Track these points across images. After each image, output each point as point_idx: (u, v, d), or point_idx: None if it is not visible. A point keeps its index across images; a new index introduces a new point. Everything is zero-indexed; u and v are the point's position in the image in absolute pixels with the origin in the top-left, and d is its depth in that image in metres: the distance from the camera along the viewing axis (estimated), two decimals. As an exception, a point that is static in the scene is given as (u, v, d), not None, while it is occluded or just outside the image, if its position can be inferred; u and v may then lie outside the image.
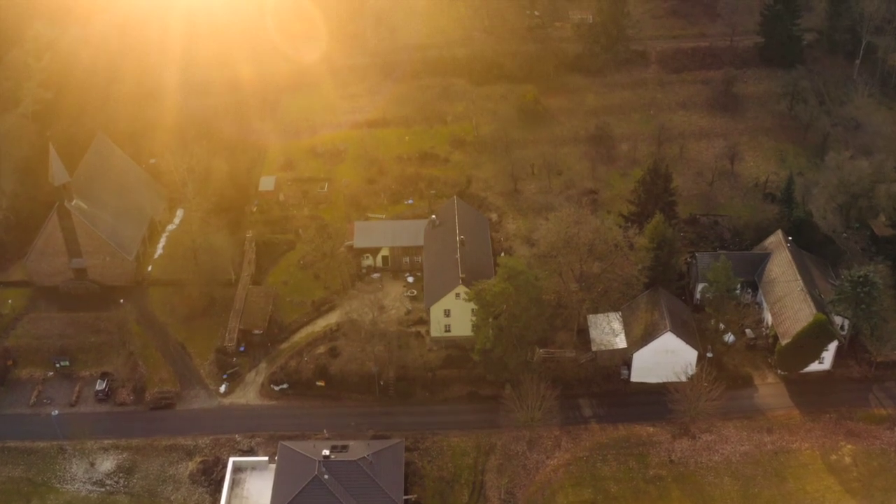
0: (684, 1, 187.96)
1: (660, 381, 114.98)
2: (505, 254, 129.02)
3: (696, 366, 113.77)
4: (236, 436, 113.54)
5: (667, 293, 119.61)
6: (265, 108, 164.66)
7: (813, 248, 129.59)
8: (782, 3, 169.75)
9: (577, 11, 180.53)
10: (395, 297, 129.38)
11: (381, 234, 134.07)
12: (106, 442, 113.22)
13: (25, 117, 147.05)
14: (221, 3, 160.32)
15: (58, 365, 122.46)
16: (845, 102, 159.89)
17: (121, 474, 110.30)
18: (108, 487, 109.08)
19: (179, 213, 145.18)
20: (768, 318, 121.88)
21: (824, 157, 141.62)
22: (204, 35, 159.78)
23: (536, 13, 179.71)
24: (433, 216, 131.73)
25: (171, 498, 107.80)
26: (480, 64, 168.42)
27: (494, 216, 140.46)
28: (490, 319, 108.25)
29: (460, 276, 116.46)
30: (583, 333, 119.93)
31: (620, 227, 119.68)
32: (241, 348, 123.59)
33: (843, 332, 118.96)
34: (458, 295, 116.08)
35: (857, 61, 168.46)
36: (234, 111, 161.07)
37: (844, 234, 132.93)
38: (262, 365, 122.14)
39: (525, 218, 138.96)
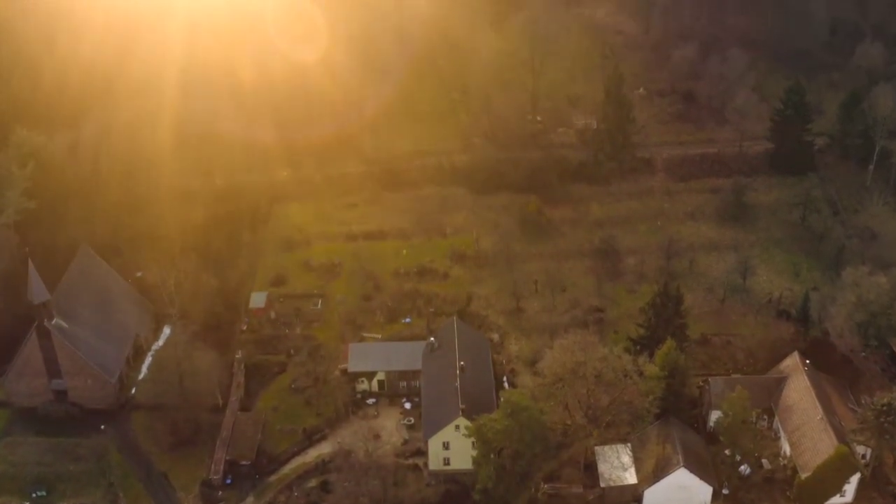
0: (691, 105, 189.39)
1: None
2: (507, 381, 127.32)
3: (711, 503, 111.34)
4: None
5: (679, 423, 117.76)
6: (257, 219, 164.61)
7: (830, 368, 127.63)
8: (793, 108, 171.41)
9: (580, 117, 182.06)
10: (391, 425, 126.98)
11: (377, 357, 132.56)
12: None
13: (7, 227, 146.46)
14: (210, 112, 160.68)
15: (34, 495, 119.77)
16: (859, 211, 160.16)
17: None
18: None
19: (166, 330, 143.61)
20: (786, 448, 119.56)
21: (840, 272, 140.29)
22: (191, 143, 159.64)
23: (539, 119, 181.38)
24: (432, 339, 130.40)
25: None
26: (481, 172, 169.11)
27: (496, 337, 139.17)
28: (492, 456, 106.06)
29: (460, 406, 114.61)
30: (590, 467, 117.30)
31: (629, 351, 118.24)
32: (228, 480, 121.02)
33: (866, 462, 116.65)
34: (457, 427, 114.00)
35: (871, 167, 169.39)
36: (225, 222, 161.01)
37: (863, 354, 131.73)
38: (250, 499, 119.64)
39: (528, 339, 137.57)
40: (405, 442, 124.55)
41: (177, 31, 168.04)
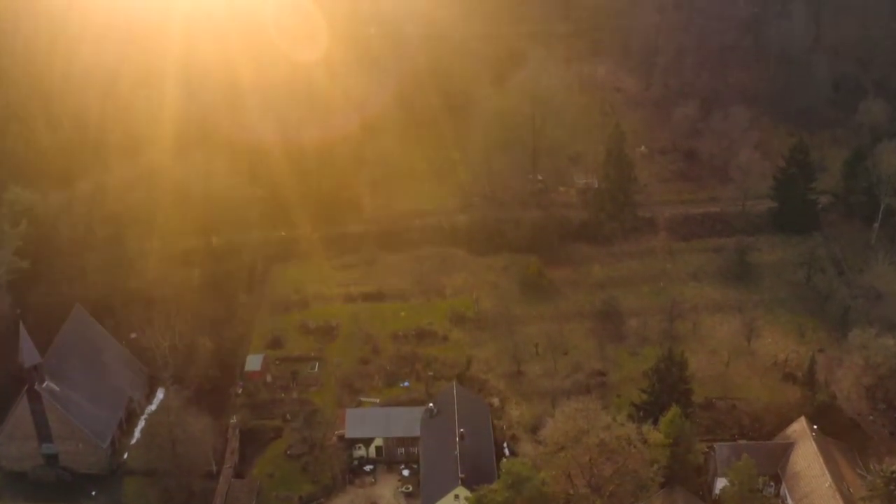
0: (693, 163, 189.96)
1: None
2: (508, 447, 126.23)
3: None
4: None
5: (684, 492, 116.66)
6: (254, 279, 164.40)
7: (838, 433, 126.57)
8: (796, 166, 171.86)
9: (581, 175, 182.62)
10: (388, 493, 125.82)
11: (374, 423, 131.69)
12: None
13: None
14: (207, 169, 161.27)
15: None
16: (864, 270, 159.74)
17: None
18: None
19: (160, 393, 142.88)
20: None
21: (846, 333, 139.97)
22: (187, 201, 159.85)
23: (539, 177, 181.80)
24: (430, 404, 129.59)
25: None
26: (481, 232, 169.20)
27: (496, 401, 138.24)
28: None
29: (459, 475, 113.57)
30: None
31: (632, 417, 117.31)
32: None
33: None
34: (456, 497, 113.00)
35: (876, 225, 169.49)
36: (222, 282, 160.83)
37: (871, 417, 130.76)
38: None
39: (529, 404, 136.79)
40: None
41: (171, 90, 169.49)
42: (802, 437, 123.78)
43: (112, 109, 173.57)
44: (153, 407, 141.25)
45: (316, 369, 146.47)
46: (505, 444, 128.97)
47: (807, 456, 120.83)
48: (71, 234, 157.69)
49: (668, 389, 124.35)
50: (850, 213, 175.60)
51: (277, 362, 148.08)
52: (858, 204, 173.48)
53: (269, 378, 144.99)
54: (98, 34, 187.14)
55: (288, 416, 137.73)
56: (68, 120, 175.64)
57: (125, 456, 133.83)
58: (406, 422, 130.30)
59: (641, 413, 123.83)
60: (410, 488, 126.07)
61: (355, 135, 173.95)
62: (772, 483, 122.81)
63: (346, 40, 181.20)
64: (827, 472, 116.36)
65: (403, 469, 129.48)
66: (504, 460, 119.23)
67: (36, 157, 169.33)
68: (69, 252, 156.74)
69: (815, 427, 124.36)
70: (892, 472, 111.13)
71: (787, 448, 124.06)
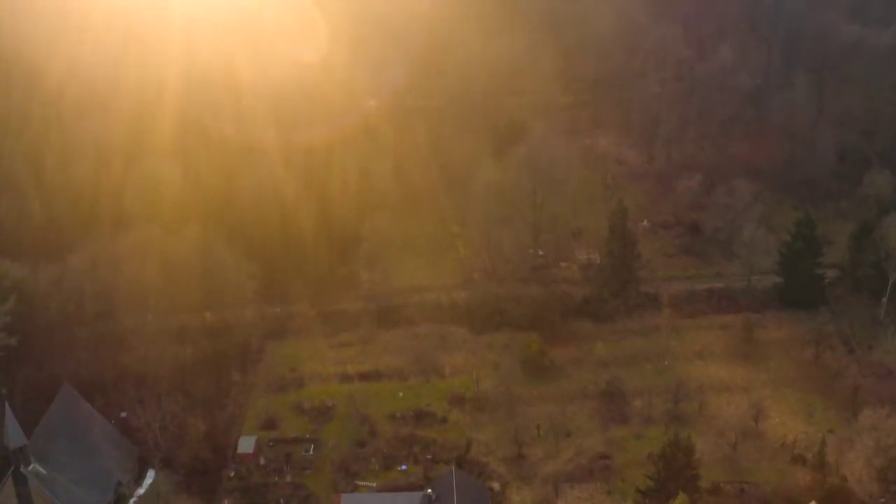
0: (697, 237, 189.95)
1: None
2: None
3: None
4: None
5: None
6: (248, 357, 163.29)
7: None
8: (802, 240, 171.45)
9: (583, 251, 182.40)
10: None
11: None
12: None
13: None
14: (200, 244, 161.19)
15: None
16: (874, 347, 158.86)
17: None
18: None
19: (150, 474, 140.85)
20: None
21: (856, 412, 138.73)
22: (180, 277, 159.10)
23: (541, 252, 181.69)
24: (429, 490, 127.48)
25: None
26: (481, 309, 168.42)
27: (496, 486, 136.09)
28: None
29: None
30: None
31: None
32: None
33: None
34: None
35: (885, 300, 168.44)
36: (215, 360, 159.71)
37: (882, 500, 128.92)
38: None
39: (531, 489, 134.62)
40: None
41: (165, 165, 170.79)
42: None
43: (106, 182, 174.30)
44: (142, 490, 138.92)
45: (311, 452, 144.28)
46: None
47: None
48: (61, 309, 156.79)
49: (674, 475, 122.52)
50: (857, 287, 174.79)
51: (271, 444, 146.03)
52: (866, 278, 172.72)
53: (262, 460, 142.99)
54: (93, 105, 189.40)
55: (281, 500, 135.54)
56: (61, 192, 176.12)
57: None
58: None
59: (647, 500, 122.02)
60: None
61: (354, 209, 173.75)
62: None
63: (345, 113, 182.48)
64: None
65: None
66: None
67: (27, 230, 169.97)
68: (59, 328, 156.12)
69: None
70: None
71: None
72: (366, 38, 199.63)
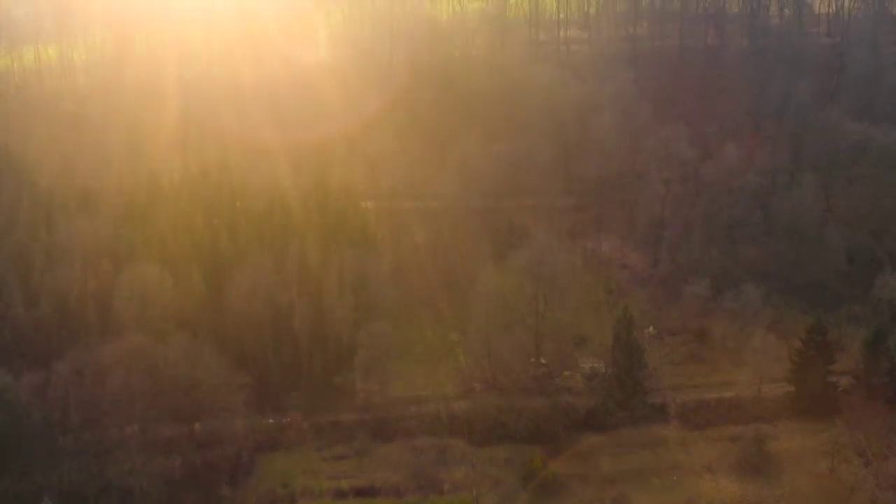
0: (704, 344, 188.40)
1: None
2: None
3: None
4: None
5: None
6: (239, 471, 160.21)
7: None
8: (814, 348, 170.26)
9: (587, 359, 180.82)
10: None
11: None
12: None
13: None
14: (189, 354, 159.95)
15: None
16: (890, 458, 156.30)
17: None
18: None
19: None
20: None
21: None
22: (166, 387, 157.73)
23: (543, 361, 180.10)
24: None
25: None
26: (481, 422, 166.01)
27: None
28: None
29: None
30: None
31: None
32: None
33: None
34: None
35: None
36: (203, 473, 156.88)
37: None
38: None
39: None
40: None
41: (152, 269, 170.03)
42: None
43: (93, 286, 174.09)
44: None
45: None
46: None
47: None
48: (45, 417, 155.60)
49: None
50: (872, 395, 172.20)
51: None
52: (881, 386, 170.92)
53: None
54: (83, 206, 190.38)
55: None
56: (47, 296, 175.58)
57: None
58: None
59: None
60: None
61: (349, 316, 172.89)
62: None
63: (341, 216, 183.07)
64: None
65: None
66: None
67: (11, 336, 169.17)
68: (42, 437, 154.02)
69: None
70: None
71: None
72: (361, 138, 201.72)
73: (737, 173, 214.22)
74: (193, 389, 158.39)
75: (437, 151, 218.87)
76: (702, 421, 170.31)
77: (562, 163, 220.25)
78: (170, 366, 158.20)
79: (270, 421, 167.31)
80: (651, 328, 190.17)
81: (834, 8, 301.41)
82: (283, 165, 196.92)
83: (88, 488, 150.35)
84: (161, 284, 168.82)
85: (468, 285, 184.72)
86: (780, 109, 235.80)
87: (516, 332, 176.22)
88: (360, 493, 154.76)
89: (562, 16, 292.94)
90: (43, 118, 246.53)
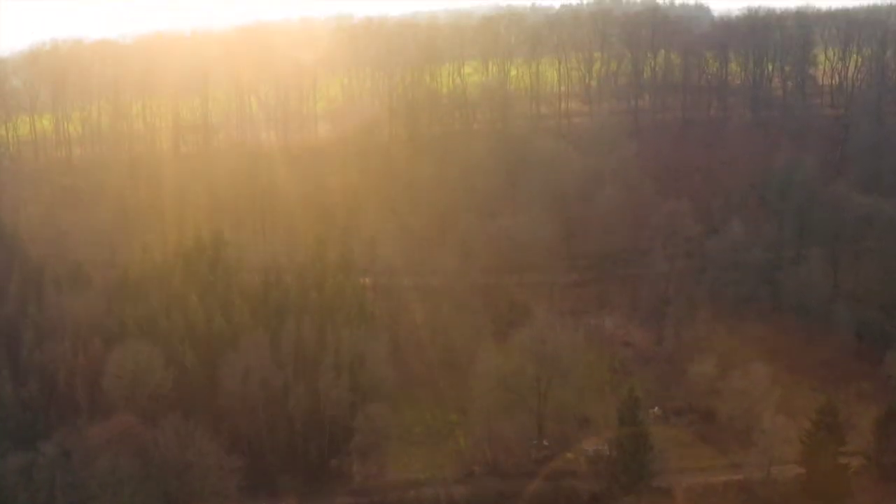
0: (711, 425, 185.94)
1: None
2: None
3: None
4: None
5: None
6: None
7: None
8: (825, 429, 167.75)
9: (591, 440, 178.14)
10: None
11: None
12: None
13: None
14: (176, 445, 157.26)
15: None
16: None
17: None
18: None
19: None
20: None
21: None
22: (158, 473, 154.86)
23: (545, 443, 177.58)
24: None
25: None
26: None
27: None
28: None
29: None
30: None
31: None
32: None
33: None
34: None
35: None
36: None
37: None
38: None
39: None
40: None
41: (144, 347, 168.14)
42: None
43: (83, 365, 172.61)
44: None
45: None
46: None
47: None
48: (30, 500, 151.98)
49: None
50: (884, 476, 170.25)
51: None
52: (892, 465, 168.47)
53: None
54: (74, 281, 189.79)
55: None
56: (35, 374, 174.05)
57: None
58: None
59: None
60: None
61: (346, 397, 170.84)
62: None
63: (337, 294, 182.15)
64: None
65: None
66: None
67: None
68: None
69: None
70: None
71: None
72: (360, 212, 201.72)
73: (743, 248, 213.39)
74: (184, 473, 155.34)
75: (437, 226, 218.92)
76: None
77: (564, 238, 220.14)
78: (160, 448, 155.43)
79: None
80: (656, 408, 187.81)
81: (837, 79, 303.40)
82: (279, 240, 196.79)
83: None
84: (152, 363, 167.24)
85: (468, 364, 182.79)
86: (785, 182, 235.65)
87: (518, 414, 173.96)
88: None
89: (563, 88, 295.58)
90: (37, 189, 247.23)
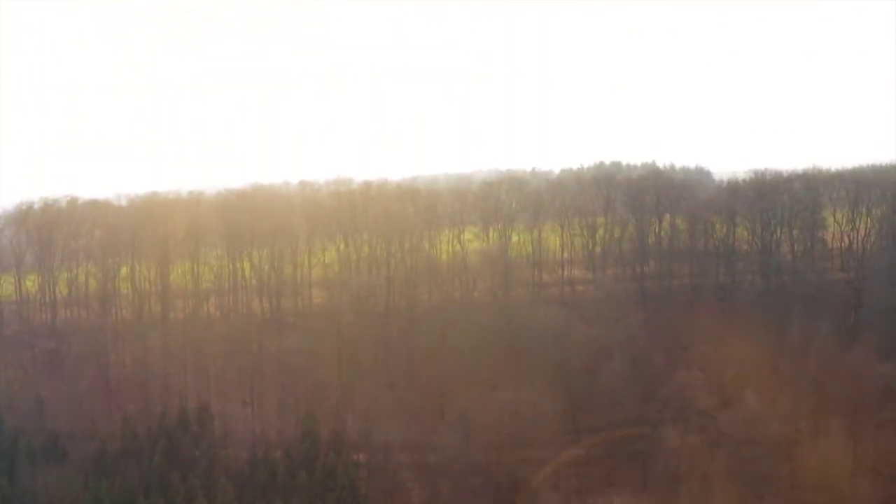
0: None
1: None
2: None
3: None
4: None
5: None
6: None
7: None
8: None
9: None
10: None
11: None
12: None
13: None
14: None
15: None
16: None
17: None
18: None
19: None
20: None
21: None
22: None
23: None
24: None
25: None
26: None
27: None
28: None
29: None
30: None
31: None
32: None
33: None
34: None
35: None
36: None
37: None
38: None
39: None
40: None
41: None
42: None
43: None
44: None
45: None
46: None
47: None
48: None
49: None
50: None
51: None
52: None
53: None
54: (47, 453, 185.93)
55: None
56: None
57: None
58: None
59: None
60: None
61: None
62: None
63: (329, 475, 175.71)
64: None
65: None
66: None
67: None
68: None
69: None
70: None
71: None
72: (354, 386, 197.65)
73: (758, 422, 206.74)
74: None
75: (435, 400, 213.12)
76: None
77: (569, 412, 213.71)
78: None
79: None
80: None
81: (847, 241, 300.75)
82: (268, 416, 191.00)
83: None
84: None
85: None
86: (799, 351, 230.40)
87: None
88: None
89: (566, 255, 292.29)
90: (18, 354, 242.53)
